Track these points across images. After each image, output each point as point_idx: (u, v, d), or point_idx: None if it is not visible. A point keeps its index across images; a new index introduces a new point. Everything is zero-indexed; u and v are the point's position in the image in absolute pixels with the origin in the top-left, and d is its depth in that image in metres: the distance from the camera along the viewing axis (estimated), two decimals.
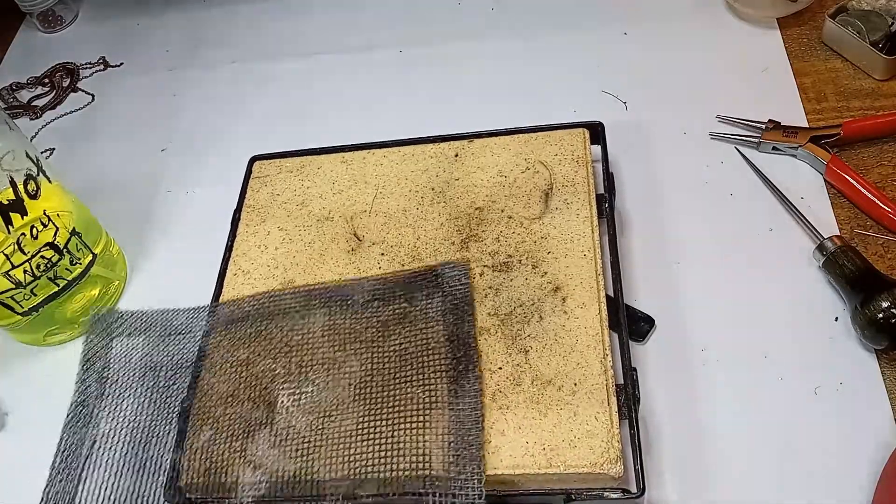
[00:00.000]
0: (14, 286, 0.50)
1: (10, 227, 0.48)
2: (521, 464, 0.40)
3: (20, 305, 0.51)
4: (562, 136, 0.53)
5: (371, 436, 0.42)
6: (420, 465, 0.40)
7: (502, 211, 0.50)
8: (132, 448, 0.46)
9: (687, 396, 0.45)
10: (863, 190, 0.50)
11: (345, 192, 0.54)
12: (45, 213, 0.50)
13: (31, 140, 0.61)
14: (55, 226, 0.51)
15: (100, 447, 0.46)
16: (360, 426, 0.43)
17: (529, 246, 0.48)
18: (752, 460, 0.42)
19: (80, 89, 0.74)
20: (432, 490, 0.39)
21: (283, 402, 0.44)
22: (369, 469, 0.41)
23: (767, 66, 0.60)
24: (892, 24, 0.57)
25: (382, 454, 0.41)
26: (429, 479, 0.40)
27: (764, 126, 0.55)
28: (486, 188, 0.52)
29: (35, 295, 0.51)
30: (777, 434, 0.43)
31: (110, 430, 0.47)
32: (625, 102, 0.61)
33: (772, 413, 0.44)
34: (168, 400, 0.47)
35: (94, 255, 0.55)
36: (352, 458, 0.41)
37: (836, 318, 0.47)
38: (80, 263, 0.54)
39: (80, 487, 0.45)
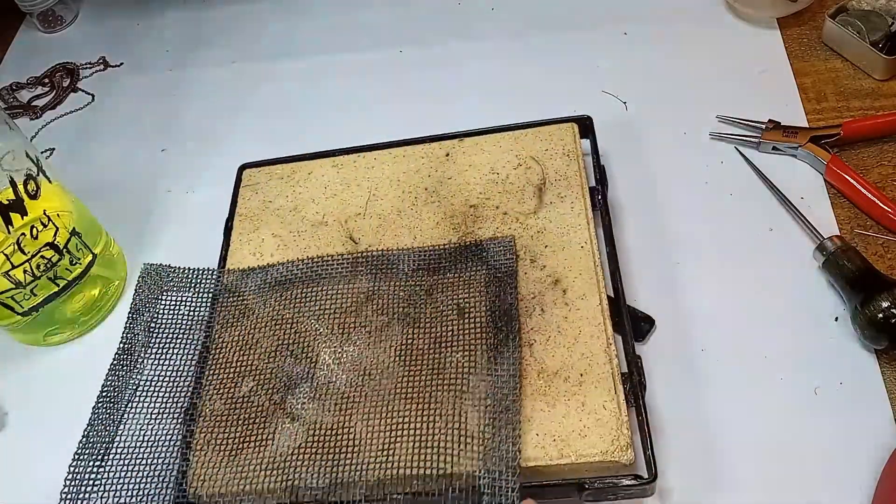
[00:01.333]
0: (14, 286, 0.50)
1: (10, 227, 0.48)
2: (532, 456, 0.40)
3: (20, 305, 0.51)
4: (551, 131, 0.54)
5: (409, 395, 0.43)
6: (456, 426, 0.41)
7: (497, 207, 0.51)
8: (174, 395, 0.47)
9: (687, 397, 0.45)
10: (863, 190, 0.50)
11: (337, 195, 0.54)
12: (45, 213, 0.50)
13: (31, 140, 0.61)
14: (55, 226, 0.51)
15: (143, 392, 0.48)
16: (398, 386, 0.44)
17: (526, 241, 0.48)
18: (751, 460, 0.42)
19: (80, 89, 0.75)
20: (465, 452, 0.40)
21: (324, 359, 0.46)
22: (406, 426, 0.42)
23: (767, 66, 0.60)
24: (892, 24, 0.57)
25: (419, 413, 0.42)
26: (464, 439, 0.41)
27: (764, 126, 0.55)
28: (479, 186, 0.52)
29: (35, 295, 0.51)
30: (777, 434, 0.43)
31: (154, 376, 0.48)
32: (625, 102, 0.61)
33: (772, 413, 0.44)
34: (214, 351, 0.48)
35: (94, 255, 0.55)
36: (389, 415, 0.43)
37: (836, 318, 0.47)
38: (80, 263, 0.54)
39: (121, 428, 0.46)
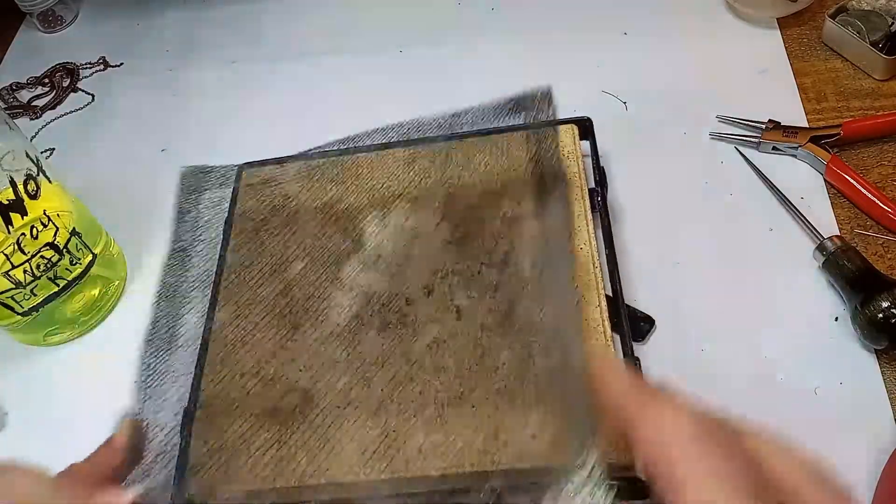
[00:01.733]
0: (14, 286, 0.50)
1: (10, 227, 0.48)
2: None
3: (20, 305, 0.51)
4: (551, 132, 0.54)
5: (459, 249, 0.45)
6: (510, 271, 0.43)
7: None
8: (225, 284, 0.49)
9: (687, 396, 0.45)
10: (863, 190, 0.50)
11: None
12: (45, 213, 0.50)
13: (31, 140, 0.61)
14: (55, 226, 0.51)
15: (200, 285, 0.50)
16: (446, 243, 0.46)
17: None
18: None
19: (80, 89, 0.75)
20: (523, 291, 0.43)
21: (370, 231, 0.48)
22: (461, 275, 0.44)
23: (767, 66, 0.60)
24: (892, 24, 0.57)
25: (472, 261, 0.45)
26: (517, 279, 0.43)
27: (764, 126, 0.55)
28: (478, 187, 0.52)
29: (35, 295, 0.51)
30: (777, 434, 0.43)
31: (208, 270, 0.50)
32: (625, 102, 0.61)
33: (772, 413, 0.44)
34: (259, 239, 0.51)
35: (94, 255, 0.55)
36: (442, 271, 0.45)
37: (836, 318, 0.47)
38: (80, 263, 0.54)
39: (186, 318, 0.49)
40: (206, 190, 0.54)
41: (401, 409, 0.41)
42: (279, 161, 0.58)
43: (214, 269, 0.51)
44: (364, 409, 0.41)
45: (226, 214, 0.53)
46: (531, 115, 0.49)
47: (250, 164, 0.58)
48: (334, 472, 0.40)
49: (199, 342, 0.47)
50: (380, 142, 0.52)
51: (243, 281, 0.48)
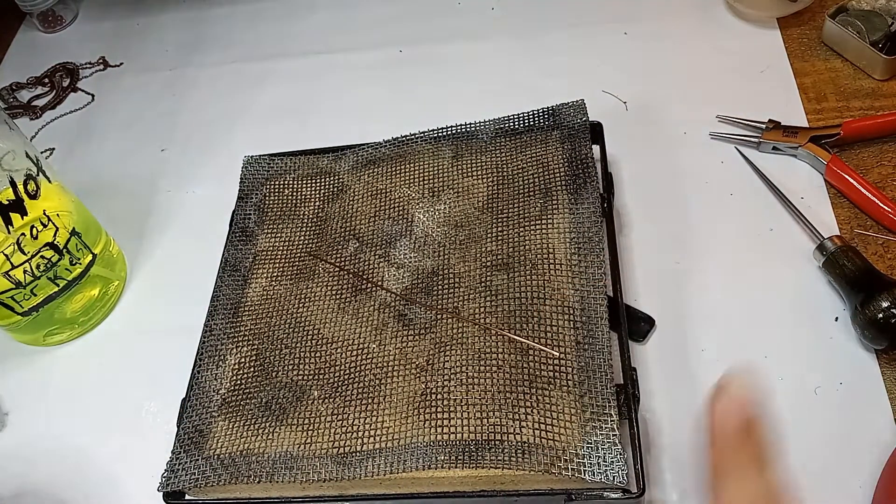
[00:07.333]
0: (14, 286, 0.50)
1: (10, 227, 0.48)
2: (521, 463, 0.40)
3: (20, 305, 0.51)
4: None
5: (500, 237, 0.49)
6: (546, 255, 0.46)
7: (501, 211, 0.50)
8: (289, 260, 0.52)
9: (687, 397, 0.45)
10: (863, 190, 0.50)
11: (341, 193, 0.55)
12: (45, 213, 0.50)
13: (31, 140, 0.61)
14: (55, 226, 0.51)
15: (261, 260, 0.53)
16: (489, 232, 0.49)
17: (529, 245, 0.48)
18: None
19: (80, 89, 0.75)
20: (556, 276, 0.45)
21: (419, 217, 0.51)
22: (500, 261, 0.47)
23: (767, 66, 0.60)
24: (892, 24, 0.57)
25: (511, 249, 0.48)
26: (554, 266, 0.46)
27: (764, 126, 0.55)
28: (484, 188, 0.52)
29: (35, 295, 0.51)
30: (777, 434, 0.43)
31: (270, 246, 0.53)
32: (625, 102, 0.61)
33: (772, 413, 0.44)
34: (318, 223, 0.54)
35: (94, 255, 0.55)
36: (483, 255, 0.48)
37: (836, 318, 0.47)
38: (80, 263, 0.54)
39: (247, 291, 0.51)
40: (269, 178, 0.57)
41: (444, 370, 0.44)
42: (281, 156, 0.58)
43: (276, 245, 0.53)
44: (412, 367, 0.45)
45: (288, 198, 0.56)
46: (563, 121, 0.53)
47: (254, 158, 0.58)
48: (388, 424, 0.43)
49: (261, 309, 0.50)
50: (429, 138, 0.55)
51: (303, 259, 0.52)
